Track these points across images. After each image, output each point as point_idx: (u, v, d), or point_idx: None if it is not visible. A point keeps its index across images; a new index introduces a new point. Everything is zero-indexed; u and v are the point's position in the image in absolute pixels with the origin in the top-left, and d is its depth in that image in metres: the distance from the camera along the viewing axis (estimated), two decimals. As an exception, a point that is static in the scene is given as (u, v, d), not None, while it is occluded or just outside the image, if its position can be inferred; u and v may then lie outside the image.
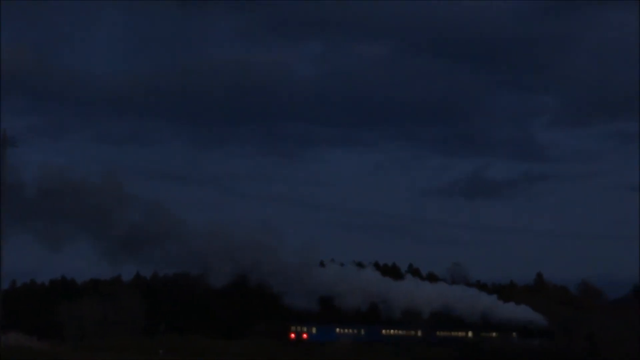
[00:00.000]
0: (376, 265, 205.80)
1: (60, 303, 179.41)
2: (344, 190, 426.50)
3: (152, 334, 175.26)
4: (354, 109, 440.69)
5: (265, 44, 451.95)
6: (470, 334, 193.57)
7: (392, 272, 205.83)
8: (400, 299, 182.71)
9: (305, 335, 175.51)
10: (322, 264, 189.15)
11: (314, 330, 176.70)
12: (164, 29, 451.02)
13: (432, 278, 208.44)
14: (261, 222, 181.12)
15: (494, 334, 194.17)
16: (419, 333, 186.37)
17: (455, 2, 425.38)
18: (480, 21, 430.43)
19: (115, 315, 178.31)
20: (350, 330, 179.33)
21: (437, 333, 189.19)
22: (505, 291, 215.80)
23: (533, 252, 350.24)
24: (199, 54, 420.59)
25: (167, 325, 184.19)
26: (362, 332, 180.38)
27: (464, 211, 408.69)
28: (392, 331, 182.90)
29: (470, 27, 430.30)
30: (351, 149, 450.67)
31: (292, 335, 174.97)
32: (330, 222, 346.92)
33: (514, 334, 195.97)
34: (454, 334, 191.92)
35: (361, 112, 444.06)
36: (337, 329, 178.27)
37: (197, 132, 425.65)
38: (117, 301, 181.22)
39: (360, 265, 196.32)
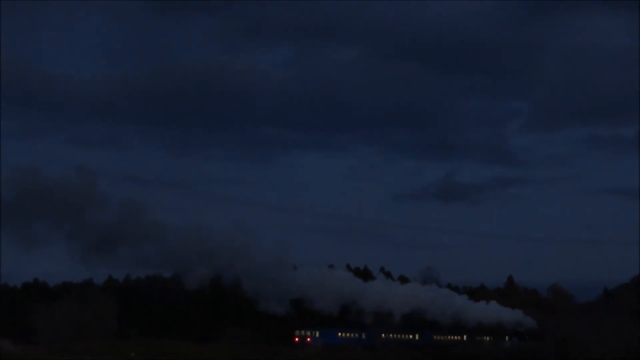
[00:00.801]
0: (348, 268, 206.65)
1: (32, 306, 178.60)
2: (316, 194, 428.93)
3: (124, 337, 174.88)
4: (327, 114, 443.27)
5: (239, 48, 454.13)
6: (465, 337, 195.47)
7: (363, 275, 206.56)
8: (373, 300, 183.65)
9: (309, 339, 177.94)
10: (295, 267, 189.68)
11: (317, 334, 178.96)
12: (139, 33, 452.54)
13: (403, 281, 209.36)
14: (235, 224, 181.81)
15: (487, 338, 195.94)
16: (417, 337, 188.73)
17: (428, 7, 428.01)
18: (453, 26, 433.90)
19: (88, 318, 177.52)
20: (352, 334, 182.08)
21: (435, 337, 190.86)
22: (476, 294, 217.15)
23: (504, 256, 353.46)
24: (173, 59, 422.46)
25: (140, 328, 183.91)
26: (363, 335, 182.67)
27: (436, 215, 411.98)
28: (391, 335, 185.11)
29: (442, 32, 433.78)
30: (324, 153, 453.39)
31: (297, 339, 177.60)
32: (302, 225, 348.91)
33: (507, 337, 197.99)
34: (450, 338, 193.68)
35: (334, 116, 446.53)
36: (339, 333, 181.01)
37: (171, 137, 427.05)
38: (90, 304, 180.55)
39: (331, 267, 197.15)
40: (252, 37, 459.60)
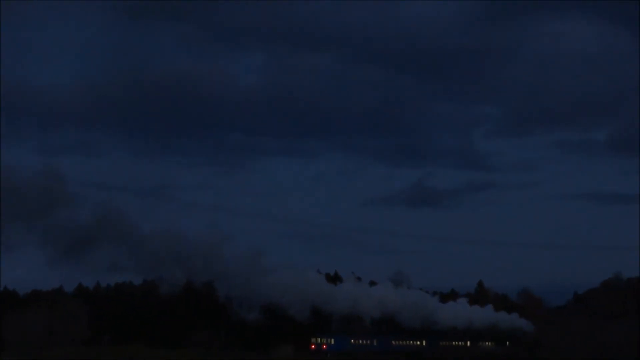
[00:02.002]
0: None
1: (3, 314, 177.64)
2: (286, 199, 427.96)
3: (96, 344, 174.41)
4: (298, 119, 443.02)
5: (209, 54, 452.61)
6: (468, 343, 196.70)
7: (334, 281, 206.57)
8: (344, 303, 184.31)
9: (324, 346, 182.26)
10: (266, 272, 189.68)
11: (332, 341, 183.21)
12: (108, 39, 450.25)
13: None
14: (208, 228, 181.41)
15: (487, 344, 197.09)
16: (424, 343, 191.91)
17: (398, 13, 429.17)
18: (423, 32, 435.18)
19: (59, 325, 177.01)
20: (364, 341, 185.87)
21: (441, 343, 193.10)
22: (447, 299, 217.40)
23: (474, 261, 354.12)
24: (143, 65, 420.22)
25: (111, 335, 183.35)
26: (375, 342, 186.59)
27: (406, 220, 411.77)
28: (401, 342, 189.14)
29: (412, 38, 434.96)
30: (294, 158, 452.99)
31: (313, 346, 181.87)
32: (272, 231, 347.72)
33: (507, 342, 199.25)
34: (455, 344, 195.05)
35: (305, 122, 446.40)
36: (352, 340, 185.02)
37: (140, 142, 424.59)
38: (61, 312, 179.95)
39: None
40: (222, 43, 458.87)
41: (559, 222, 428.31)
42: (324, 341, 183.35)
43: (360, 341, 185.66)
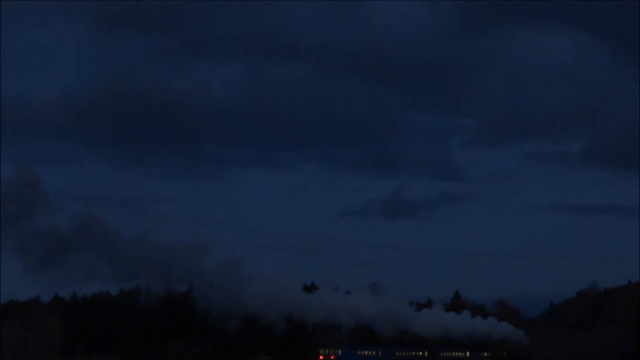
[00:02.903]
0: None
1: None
2: (263, 210, 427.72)
3: (71, 355, 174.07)
4: (274, 131, 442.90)
5: (185, 66, 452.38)
6: (467, 354, 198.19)
7: (310, 291, 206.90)
8: (320, 312, 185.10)
9: (332, 357, 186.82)
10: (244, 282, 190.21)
11: (339, 352, 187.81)
12: (86, 51, 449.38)
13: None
14: (187, 238, 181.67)
15: (485, 354, 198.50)
16: (426, 353, 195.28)
17: (374, 25, 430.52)
18: (399, 44, 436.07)
19: (35, 336, 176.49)
20: (370, 352, 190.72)
21: (442, 354, 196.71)
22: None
23: (451, 271, 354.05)
24: (120, 76, 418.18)
25: (86, 346, 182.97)
26: (380, 353, 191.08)
27: (382, 231, 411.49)
28: (404, 353, 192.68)
29: (388, 49, 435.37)
30: (270, 170, 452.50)
31: (321, 357, 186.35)
32: (249, 242, 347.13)
33: (504, 353, 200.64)
34: (455, 354, 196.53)
35: (281, 133, 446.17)
36: (359, 351, 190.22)
37: (117, 154, 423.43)
38: (36, 323, 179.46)
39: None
40: (199, 55, 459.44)
41: (534, 232, 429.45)
42: (332, 352, 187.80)
43: (367, 352, 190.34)
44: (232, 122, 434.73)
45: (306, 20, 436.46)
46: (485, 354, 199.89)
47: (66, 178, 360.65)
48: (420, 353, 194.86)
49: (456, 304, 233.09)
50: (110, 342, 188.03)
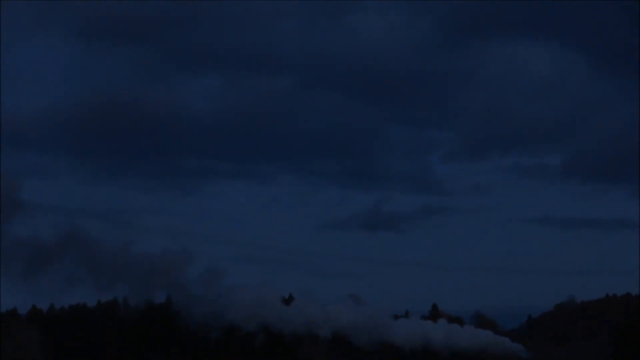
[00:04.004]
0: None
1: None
2: (241, 223, 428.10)
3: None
4: (253, 143, 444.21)
5: (164, 78, 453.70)
6: None
7: (288, 303, 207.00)
8: (298, 321, 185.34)
9: None
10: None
11: None
12: (63, 63, 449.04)
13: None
14: (167, 248, 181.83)
15: None
16: None
17: (353, 37, 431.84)
18: (378, 56, 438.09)
19: (10, 350, 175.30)
20: None
21: None
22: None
23: (428, 284, 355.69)
24: (98, 88, 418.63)
25: (64, 358, 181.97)
26: None
27: (361, 244, 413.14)
28: None
29: (367, 62, 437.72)
30: (249, 182, 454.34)
31: None
32: (228, 254, 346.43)
33: None
34: None
35: (260, 145, 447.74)
36: None
37: (95, 166, 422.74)
38: (13, 335, 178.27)
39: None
40: (178, 67, 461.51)
41: (513, 246, 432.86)
42: None
43: None
44: (212, 135, 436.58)
45: (286, 33, 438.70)
46: None
47: (45, 189, 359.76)
48: None
49: (433, 316, 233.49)
50: (88, 354, 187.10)
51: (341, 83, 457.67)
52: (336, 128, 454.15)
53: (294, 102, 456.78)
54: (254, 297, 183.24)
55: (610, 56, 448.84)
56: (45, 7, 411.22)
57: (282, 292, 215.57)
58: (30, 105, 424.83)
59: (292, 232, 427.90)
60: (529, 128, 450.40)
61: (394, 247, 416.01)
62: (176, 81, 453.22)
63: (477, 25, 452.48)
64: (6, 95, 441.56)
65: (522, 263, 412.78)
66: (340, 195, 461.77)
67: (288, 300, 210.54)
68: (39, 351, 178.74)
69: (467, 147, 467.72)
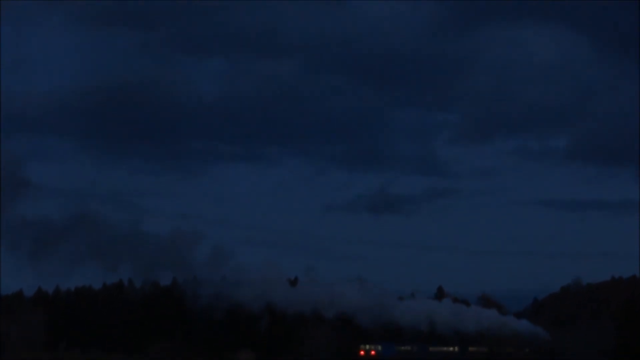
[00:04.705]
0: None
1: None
2: (247, 206, 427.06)
3: (53, 349, 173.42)
4: (258, 126, 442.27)
5: (170, 61, 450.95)
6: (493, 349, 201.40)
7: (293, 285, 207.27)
8: (301, 301, 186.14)
9: (373, 352, 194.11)
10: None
11: (379, 348, 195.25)
12: (70, 46, 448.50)
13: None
14: (174, 230, 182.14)
15: (509, 350, 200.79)
16: (456, 349, 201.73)
17: (358, 21, 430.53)
18: (383, 39, 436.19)
19: (17, 330, 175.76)
20: (406, 347, 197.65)
21: (470, 349, 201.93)
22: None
23: (435, 266, 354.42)
24: (105, 71, 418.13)
25: (69, 340, 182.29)
26: (415, 349, 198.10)
27: (367, 226, 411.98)
28: (437, 348, 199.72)
29: (373, 45, 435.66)
30: (255, 165, 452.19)
31: (362, 353, 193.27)
32: (234, 237, 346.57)
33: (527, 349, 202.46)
34: (471, 349, 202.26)
35: (265, 128, 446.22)
36: (396, 347, 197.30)
37: (100, 149, 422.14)
38: (19, 316, 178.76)
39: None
40: (184, 50, 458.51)
41: (518, 228, 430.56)
42: (373, 348, 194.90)
43: (403, 348, 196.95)
44: (218, 118, 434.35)
45: (291, 17, 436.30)
46: (509, 349, 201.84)
47: (51, 172, 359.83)
48: (451, 349, 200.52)
49: (439, 299, 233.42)
50: (93, 336, 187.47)
51: (346, 66, 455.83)
52: (342, 111, 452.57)
53: (300, 85, 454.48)
54: (259, 277, 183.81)
55: (614, 39, 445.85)
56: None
57: (287, 274, 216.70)
58: (36, 88, 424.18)
59: (297, 215, 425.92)
60: (534, 111, 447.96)
61: (399, 230, 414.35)
62: (182, 65, 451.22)
63: (481, 8, 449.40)
64: (12, 79, 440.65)
65: (528, 245, 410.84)
66: (346, 178, 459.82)
67: (294, 282, 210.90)
68: (43, 331, 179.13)
69: (472, 130, 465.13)
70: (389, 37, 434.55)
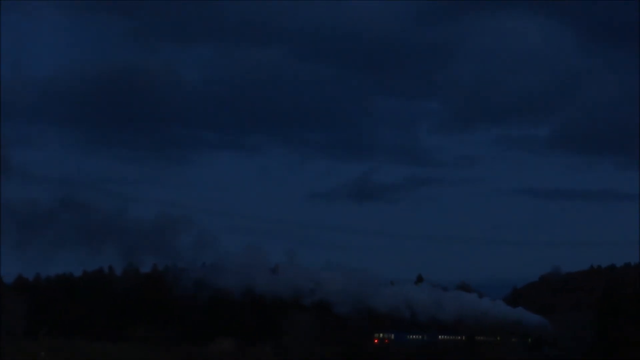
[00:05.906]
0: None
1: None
2: (230, 193, 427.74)
3: (33, 336, 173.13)
4: (242, 113, 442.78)
5: (154, 48, 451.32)
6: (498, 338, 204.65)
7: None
8: (283, 287, 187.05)
9: (387, 341, 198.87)
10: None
11: (392, 336, 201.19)
12: (54, 33, 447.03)
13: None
14: (159, 216, 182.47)
15: (514, 340, 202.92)
16: (463, 337, 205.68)
17: (341, 9, 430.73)
18: (366, 27, 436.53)
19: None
20: (416, 336, 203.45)
21: (476, 337, 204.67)
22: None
23: (414, 254, 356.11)
24: (89, 58, 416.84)
25: (49, 328, 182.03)
26: (425, 337, 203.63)
27: (349, 214, 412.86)
28: (445, 336, 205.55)
29: (355, 33, 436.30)
30: (238, 153, 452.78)
31: (376, 341, 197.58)
32: (217, 225, 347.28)
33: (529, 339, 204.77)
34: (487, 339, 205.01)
35: (248, 116, 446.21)
36: (408, 336, 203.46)
37: (84, 135, 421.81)
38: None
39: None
40: (168, 37, 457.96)
41: (499, 217, 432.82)
42: (387, 337, 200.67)
43: (414, 336, 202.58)
44: (201, 105, 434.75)
45: (275, 5, 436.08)
46: (514, 339, 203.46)
47: (35, 159, 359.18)
48: (459, 338, 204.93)
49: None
50: (75, 324, 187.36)
51: (330, 54, 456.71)
52: (325, 99, 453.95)
53: (283, 73, 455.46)
54: (242, 263, 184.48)
55: (599, 28, 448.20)
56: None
57: (270, 261, 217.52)
58: (20, 75, 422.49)
59: (280, 203, 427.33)
60: (517, 99, 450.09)
61: (381, 218, 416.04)
62: (166, 51, 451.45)
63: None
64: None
65: (508, 234, 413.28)
66: (328, 165, 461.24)
67: (275, 270, 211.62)
68: (23, 319, 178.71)
69: (455, 118, 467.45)
70: (373, 25, 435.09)
